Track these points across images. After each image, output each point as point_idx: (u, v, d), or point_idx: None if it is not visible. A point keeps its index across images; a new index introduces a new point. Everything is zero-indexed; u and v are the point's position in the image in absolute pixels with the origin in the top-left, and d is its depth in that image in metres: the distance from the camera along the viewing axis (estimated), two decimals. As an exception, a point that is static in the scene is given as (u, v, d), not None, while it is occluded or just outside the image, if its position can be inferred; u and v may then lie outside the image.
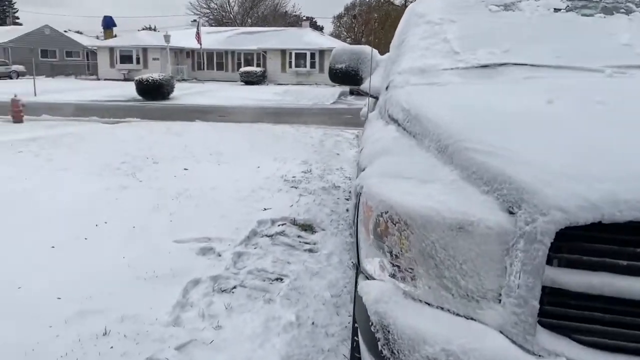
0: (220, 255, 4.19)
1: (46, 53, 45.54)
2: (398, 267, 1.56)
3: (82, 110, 17.40)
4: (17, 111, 13.18)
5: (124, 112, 17.02)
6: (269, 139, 10.77)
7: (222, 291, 3.58)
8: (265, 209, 5.46)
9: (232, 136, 11.17)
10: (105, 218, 5.01)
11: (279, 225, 5.01)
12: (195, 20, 42.46)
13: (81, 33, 59.57)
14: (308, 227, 4.97)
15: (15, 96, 13.58)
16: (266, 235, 4.74)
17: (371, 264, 1.67)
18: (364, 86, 2.80)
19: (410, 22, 2.94)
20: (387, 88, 2.55)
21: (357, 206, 1.79)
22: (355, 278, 2.48)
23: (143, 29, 52.48)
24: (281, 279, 3.79)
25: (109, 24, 44.22)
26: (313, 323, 3.12)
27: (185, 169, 7.49)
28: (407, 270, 1.54)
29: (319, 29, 57.33)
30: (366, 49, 2.95)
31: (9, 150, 8.70)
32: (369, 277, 1.68)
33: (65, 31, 50.97)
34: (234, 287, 3.63)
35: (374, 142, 2.10)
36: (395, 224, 1.53)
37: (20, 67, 39.45)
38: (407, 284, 1.55)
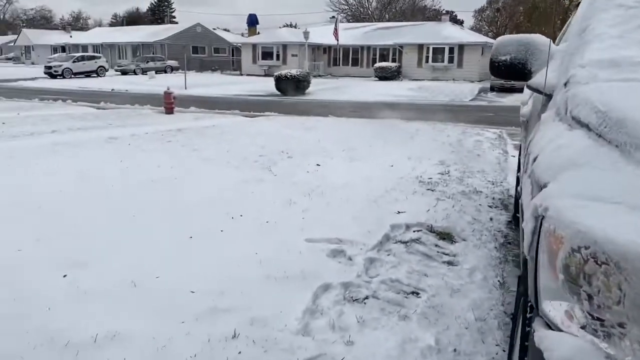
0: (351, 260, 3.97)
1: (196, 49, 49.15)
2: (600, 321, 1.18)
3: (226, 104, 18.36)
4: (168, 103, 14.20)
5: (263, 107, 17.66)
6: (403, 136, 10.41)
7: (354, 301, 3.34)
8: (399, 212, 5.15)
9: (365, 132, 10.98)
10: (240, 211, 5.05)
11: (414, 231, 4.67)
12: (333, 17, 43.11)
13: (228, 30, 63.50)
14: (447, 236, 4.57)
15: (168, 89, 14.65)
16: (400, 242, 4.43)
17: (557, 310, 1.30)
18: (534, 82, 2.36)
19: (595, 6, 2.45)
20: (565, 84, 2.11)
21: (536, 232, 1.43)
22: (515, 312, 2.09)
23: (284, 26, 54.47)
24: (417, 294, 3.47)
25: (253, 21, 46.51)
26: (455, 350, 2.76)
27: (317, 165, 7.43)
28: (615, 327, 1.15)
29: (459, 23, 55.21)
30: (537, 38, 2.51)
31: (159, 140, 9.31)
32: (551, 325, 1.31)
33: (214, 29, 54.65)
34: (366, 298, 3.38)
35: (554, 151, 1.70)
36: (600, 265, 1.15)
37: (174, 63, 42.97)
38: (612, 344, 1.16)
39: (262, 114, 15.22)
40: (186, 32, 49.16)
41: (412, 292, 3.49)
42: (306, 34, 32.38)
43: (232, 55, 51.23)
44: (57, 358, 2.55)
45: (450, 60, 36.91)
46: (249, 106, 17.68)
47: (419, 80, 35.07)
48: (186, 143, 8.99)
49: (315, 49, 40.39)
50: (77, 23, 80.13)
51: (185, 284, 3.43)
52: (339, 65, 41.50)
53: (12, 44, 64.03)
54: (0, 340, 2.66)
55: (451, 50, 36.85)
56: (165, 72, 41.37)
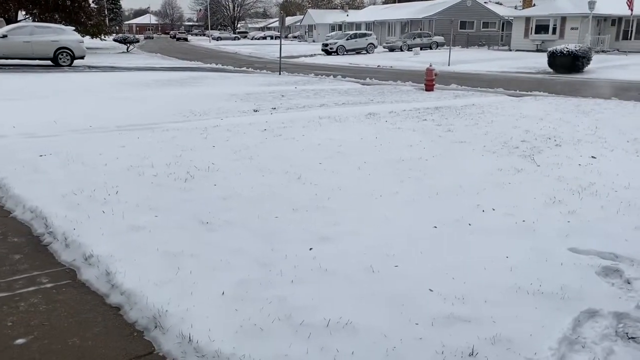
0: (629, 284, 3.20)
1: (464, 24, 47.84)
2: None
3: (489, 82, 17.41)
4: (429, 80, 14.02)
5: (531, 85, 16.21)
6: None
7: (630, 339, 2.65)
8: None
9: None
10: (493, 203, 4.57)
11: None
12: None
13: (500, 4, 60.11)
14: None
15: (431, 65, 14.46)
16: None
17: None
18: None
19: None
20: None
21: None
22: None
23: (564, -4, 49.07)
24: None
25: (528, -8, 43.06)
26: None
27: (592, 157, 6.36)
28: None
29: None
30: None
31: (416, 118, 9.20)
32: None
33: (485, 2, 52.32)
34: (649, 338, 2.65)
35: None
36: None
37: (440, 38, 42.65)
38: None
39: (529, 93, 13.94)
40: (455, 7, 48.15)
41: None
42: (591, 4, 28.51)
43: (502, 30, 48.49)
44: (291, 336, 2.57)
45: None
46: (515, 84, 16.41)
47: None
48: (441, 122, 8.68)
49: (601, 20, 35.41)
50: (354, 2, 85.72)
51: (423, 279, 3.19)
52: (630, 39, 35.62)
53: (299, 24, 72.03)
54: (243, 308, 2.81)
55: None
56: (431, 48, 41.36)
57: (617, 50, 34.34)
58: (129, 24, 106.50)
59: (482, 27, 49.31)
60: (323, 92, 13.56)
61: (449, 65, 24.18)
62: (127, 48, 38.43)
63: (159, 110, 9.86)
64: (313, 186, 5.07)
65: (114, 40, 43.30)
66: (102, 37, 38.46)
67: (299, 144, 6.95)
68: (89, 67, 21.61)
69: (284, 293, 2.98)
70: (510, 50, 38.93)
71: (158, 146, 6.71)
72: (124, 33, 57.77)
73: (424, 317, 2.76)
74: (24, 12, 32.83)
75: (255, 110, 10.08)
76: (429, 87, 14.04)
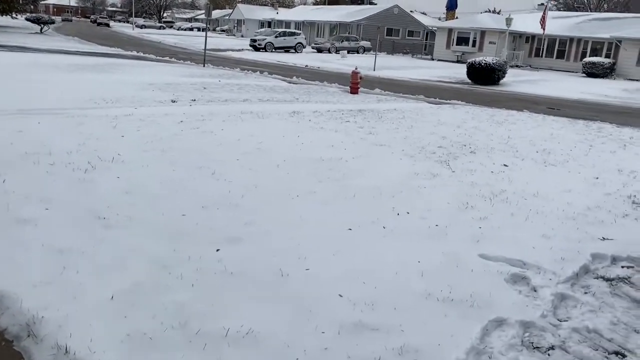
0: (536, 292, 3.22)
1: (390, 31, 48.92)
2: None
3: (411, 88, 17.78)
4: (354, 83, 14.07)
5: (450, 94, 16.72)
6: (615, 144, 8.82)
7: (534, 348, 2.64)
8: (603, 239, 4.17)
9: (563, 134, 9.57)
10: (408, 207, 4.53)
11: (623, 267, 3.71)
12: (542, 4, 39.46)
13: (425, 14, 62.15)
14: (670, 282, 3.52)
15: (356, 69, 14.53)
16: (603, 278, 3.53)
17: None
18: None
19: None
20: None
21: None
22: None
23: (485, 12, 51.55)
24: (623, 355, 2.63)
25: (452, 5, 44.75)
26: None
27: (504, 165, 6.54)
28: None
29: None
30: None
31: (339, 119, 9.13)
32: None
33: (411, 11, 53.85)
34: (551, 348, 2.65)
35: None
36: None
37: (367, 43, 43.31)
38: None
39: (448, 101, 14.34)
40: (383, 14, 49.17)
41: (616, 353, 2.66)
42: (508, 21, 30.04)
43: (426, 39, 50.09)
44: (185, 347, 2.34)
45: (683, 59, 31.25)
46: (436, 92, 16.85)
47: (638, 81, 30.40)
48: (364, 125, 8.67)
49: (517, 37, 37.42)
50: (285, 1, 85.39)
51: (334, 284, 3.05)
52: (541, 56, 37.91)
53: (228, 18, 70.75)
54: (133, 314, 2.53)
55: (685, 48, 31.18)
56: (358, 52, 41.91)
57: (530, 66, 36.43)
58: (45, 4, 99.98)
59: (408, 35, 50.67)
60: (248, 87, 13.24)
61: (374, 70, 24.51)
62: (41, 29, 35.92)
63: (67, 95, 9.15)
64: (227, 183, 4.82)
65: (27, 19, 40.35)
66: (13, 15, 35.70)
67: (217, 138, 6.65)
68: (-6, 45, 19.93)
69: (182, 298, 2.73)
70: (433, 59, 40.22)
71: (60, 133, 6.17)
72: (39, 13, 54.13)
73: (331, 324, 2.61)
74: None
75: (173, 101, 9.61)
76: (354, 90, 14.09)
